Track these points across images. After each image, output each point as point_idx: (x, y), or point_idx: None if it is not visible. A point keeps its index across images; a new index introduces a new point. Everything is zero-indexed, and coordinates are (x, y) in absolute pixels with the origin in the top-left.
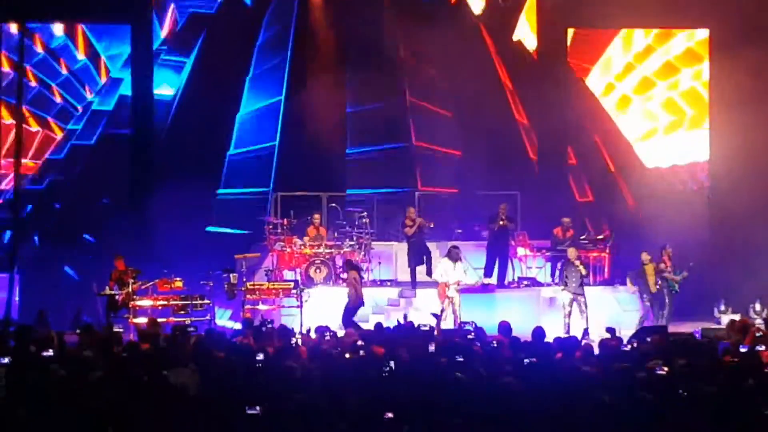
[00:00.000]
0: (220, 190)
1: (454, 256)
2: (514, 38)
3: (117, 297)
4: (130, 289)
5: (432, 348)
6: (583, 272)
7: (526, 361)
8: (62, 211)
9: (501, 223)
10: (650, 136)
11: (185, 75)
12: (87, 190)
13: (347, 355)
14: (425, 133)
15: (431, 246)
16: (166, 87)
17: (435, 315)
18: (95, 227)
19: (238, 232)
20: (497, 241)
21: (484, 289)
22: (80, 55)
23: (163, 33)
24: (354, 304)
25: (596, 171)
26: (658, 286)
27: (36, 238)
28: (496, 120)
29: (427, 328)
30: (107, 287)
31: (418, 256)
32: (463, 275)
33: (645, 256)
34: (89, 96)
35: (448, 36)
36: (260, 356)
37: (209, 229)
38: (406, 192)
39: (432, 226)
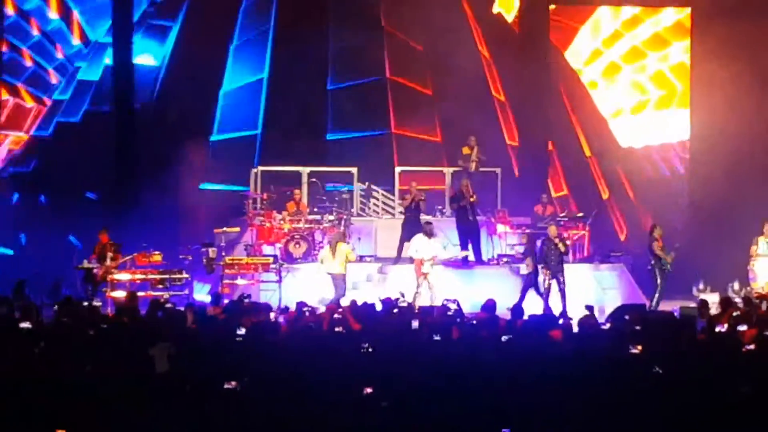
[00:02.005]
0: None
1: (428, 232)
2: (494, 10)
3: (95, 270)
4: (108, 263)
5: (415, 324)
6: (563, 249)
7: (504, 338)
8: (48, 202)
9: (471, 199)
10: (640, 109)
11: (171, 41)
12: (72, 177)
13: (337, 329)
14: (405, 117)
15: None
16: (148, 56)
17: (402, 294)
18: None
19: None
20: (466, 218)
21: (464, 265)
22: (53, 14)
23: None
24: None
25: (572, 152)
26: (650, 267)
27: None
28: (474, 96)
29: (405, 305)
30: (85, 260)
31: (410, 232)
32: (440, 250)
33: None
34: (60, 56)
35: (430, 6)
36: (241, 331)
37: (203, 186)
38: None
39: (424, 198)
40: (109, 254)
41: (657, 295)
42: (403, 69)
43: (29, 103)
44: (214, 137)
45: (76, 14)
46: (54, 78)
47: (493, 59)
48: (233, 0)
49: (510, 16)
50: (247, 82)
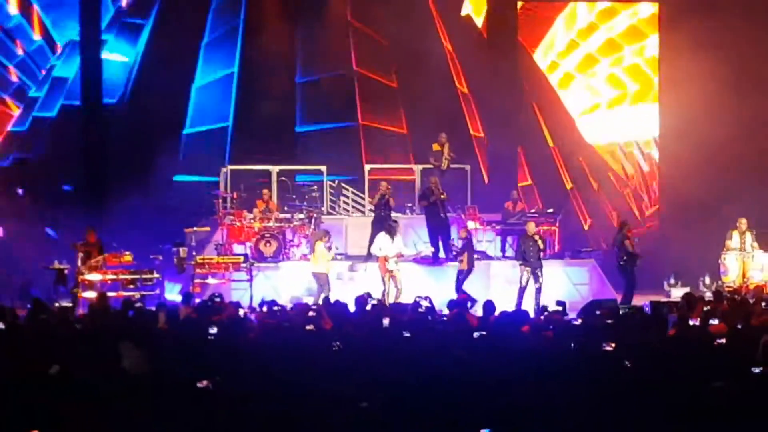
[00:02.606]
0: (177, 177)
1: (391, 230)
2: (462, 12)
3: (65, 271)
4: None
5: (386, 322)
6: (541, 246)
7: (476, 334)
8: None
9: (441, 196)
10: (593, 110)
11: (144, 39)
12: (49, 171)
13: (308, 327)
14: (371, 109)
15: None
16: (121, 55)
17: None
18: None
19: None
20: (436, 215)
21: (435, 262)
22: (13, 10)
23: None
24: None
25: (537, 145)
26: (622, 263)
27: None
28: (440, 95)
29: (376, 302)
30: (56, 261)
31: (380, 230)
32: (403, 248)
33: None
34: (20, 53)
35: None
36: (213, 330)
37: (177, 178)
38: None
39: (391, 196)
40: (95, 253)
41: (626, 291)
42: (369, 62)
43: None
44: (186, 130)
45: (36, 9)
46: (14, 75)
47: (458, 55)
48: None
49: (479, 20)
50: (218, 77)
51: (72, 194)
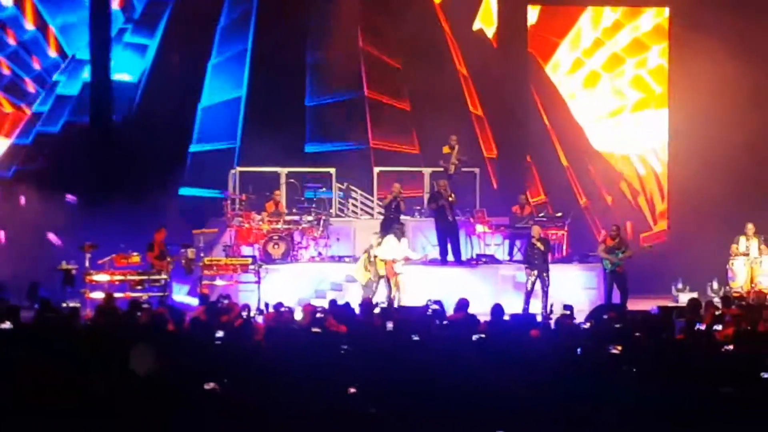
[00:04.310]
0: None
1: (398, 233)
2: (475, 27)
3: (73, 272)
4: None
5: (390, 326)
6: (542, 248)
7: (475, 337)
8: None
9: (450, 199)
10: (619, 113)
11: (150, 57)
12: (52, 182)
13: (314, 330)
14: (383, 132)
15: None
16: (126, 75)
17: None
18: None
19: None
20: (445, 218)
21: (443, 265)
22: (29, 25)
23: (114, 2)
24: None
25: (549, 161)
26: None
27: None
28: (451, 112)
29: (385, 305)
30: (63, 262)
31: (388, 232)
32: (410, 251)
33: None
34: (36, 67)
35: (407, 24)
36: (220, 333)
37: (182, 191)
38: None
39: (403, 200)
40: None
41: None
42: (381, 85)
43: (8, 110)
44: (193, 147)
45: (51, 27)
46: (31, 87)
47: (470, 74)
48: (211, 18)
49: (490, 31)
50: (225, 98)
51: (74, 205)
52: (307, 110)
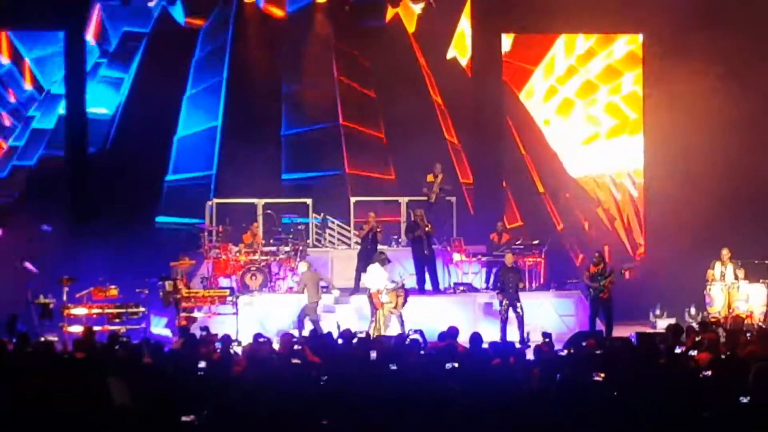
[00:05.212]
0: (159, 218)
1: (382, 261)
2: (449, 56)
3: (50, 305)
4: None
5: (373, 355)
6: (514, 277)
7: (448, 366)
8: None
9: (427, 229)
10: (592, 140)
11: (124, 92)
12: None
13: (294, 361)
14: (358, 160)
15: None
16: (102, 108)
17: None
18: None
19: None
20: (423, 248)
21: (421, 294)
22: (4, 60)
23: (89, 36)
24: None
25: (525, 188)
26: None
27: None
28: (427, 141)
29: (363, 335)
30: (41, 295)
31: (367, 263)
32: (387, 281)
33: None
34: (12, 100)
35: (382, 54)
36: (202, 364)
37: (159, 219)
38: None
39: (381, 230)
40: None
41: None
42: (356, 115)
43: None
44: (169, 177)
45: (27, 61)
46: (7, 120)
47: (445, 103)
48: (186, 51)
49: (464, 60)
50: (200, 129)
51: (50, 234)
52: (282, 140)
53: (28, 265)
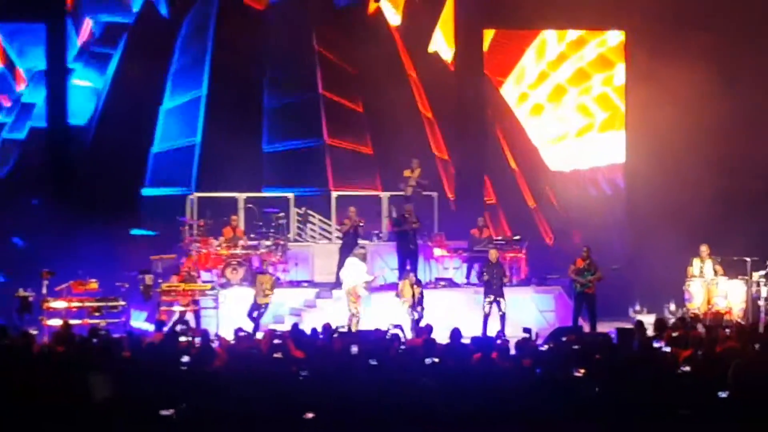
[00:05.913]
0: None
1: (361, 256)
2: (430, 50)
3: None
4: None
5: (354, 350)
6: (498, 273)
7: (428, 361)
8: None
9: (414, 225)
10: (562, 139)
11: (113, 66)
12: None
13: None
14: (337, 129)
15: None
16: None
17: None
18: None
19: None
20: (408, 242)
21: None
22: None
23: (80, 42)
24: None
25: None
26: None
27: None
28: (403, 114)
29: (345, 330)
30: (20, 289)
31: (346, 257)
32: (368, 276)
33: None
34: (6, 104)
35: (365, 49)
36: (185, 358)
37: (133, 232)
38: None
39: (362, 224)
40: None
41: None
42: (335, 87)
43: None
44: (155, 149)
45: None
46: None
47: (423, 84)
48: (171, 30)
49: (446, 53)
50: (186, 99)
51: (39, 207)
52: (265, 111)
53: (16, 240)
